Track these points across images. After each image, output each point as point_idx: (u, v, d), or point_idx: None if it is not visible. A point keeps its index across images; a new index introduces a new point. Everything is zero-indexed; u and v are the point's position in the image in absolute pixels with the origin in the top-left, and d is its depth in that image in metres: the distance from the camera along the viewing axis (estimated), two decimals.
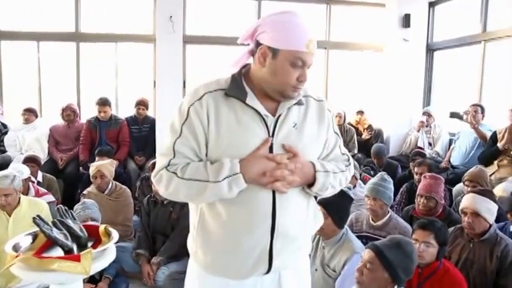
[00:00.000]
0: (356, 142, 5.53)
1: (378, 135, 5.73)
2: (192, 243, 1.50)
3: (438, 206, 3.27)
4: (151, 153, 5.29)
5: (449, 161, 4.80)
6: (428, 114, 5.43)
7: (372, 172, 4.56)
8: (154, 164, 4.02)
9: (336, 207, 2.55)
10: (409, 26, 5.74)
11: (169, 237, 3.52)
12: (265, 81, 1.35)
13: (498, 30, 4.97)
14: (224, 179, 1.29)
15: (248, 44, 1.42)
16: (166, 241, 3.52)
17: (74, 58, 5.71)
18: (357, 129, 5.78)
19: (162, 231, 3.59)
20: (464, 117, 4.61)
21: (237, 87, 1.37)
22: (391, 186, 3.12)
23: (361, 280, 1.95)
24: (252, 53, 1.39)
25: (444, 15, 5.92)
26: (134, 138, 5.36)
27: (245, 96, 1.36)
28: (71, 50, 5.70)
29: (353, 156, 4.51)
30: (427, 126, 5.39)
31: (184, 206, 3.49)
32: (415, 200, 3.38)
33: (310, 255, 2.82)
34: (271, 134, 1.36)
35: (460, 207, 2.82)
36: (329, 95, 6.06)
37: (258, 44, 1.35)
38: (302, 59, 1.31)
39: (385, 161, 4.98)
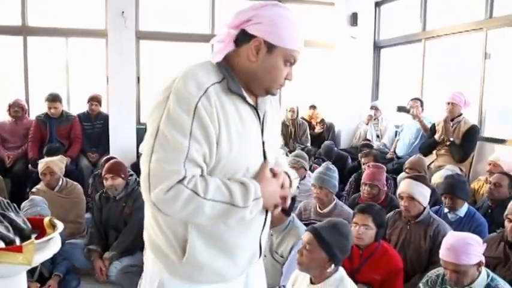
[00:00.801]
0: (309, 136, 5.72)
1: (329, 129, 5.94)
2: (172, 254, 1.30)
3: (381, 193, 3.47)
4: (105, 150, 5.24)
5: (394, 152, 5.06)
6: (375, 108, 5.68)
7: (322, 164, 4.73)
8: (107, 160, 4.03)
9: None
10: (356, 24, 5.98)
11: (122, 232, 3.52)
12: (254, 76, 1.27)
13: (436, 29, 5.28)
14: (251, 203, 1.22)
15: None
16: (119, 236, 3.52)
17: (21, 53, 5.52)
18: (309, 123, 5.97)
19: (114, 226, 3.58)
20: (411, 111, 4.88)
21: (232, 80, 1.25)
22: (336, 175, 3.29)
23: (301, 261, 2.07)
24: (236, 42, 1.28)
25: (389, 14, 6.21)
26: (87, 134, 5.29)
27: (241, 91, 1.27)
28: (18, 44, 5.51)
29: (303, 148, 4.68)
30: (375, 120, 5.63)
31: (136, 201, 3.51)
32: (360, 188, 3.56)
33: None
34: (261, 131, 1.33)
35: (397, 192, 3.03)
36: (283, 90, 6.16)
37: (246, 34, 1.25)
38: (295, 57, 1.28)
39: (336, 154, 5.17)
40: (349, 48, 6.07)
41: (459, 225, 3.11)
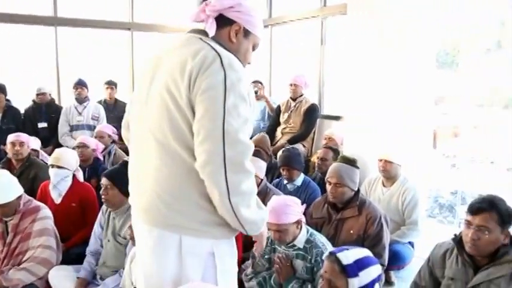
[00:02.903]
0: None
1: None
2: (213, 215, 1.44)
3: None
4: None
5: None
6: None
7: None
8: None
9: (120, 177, 2.55)
10: None
11: None
12: (234, 54, 1.45)
13: (280, 16, 5.68)
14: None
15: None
16: None
17: None
18: None
19: None
20: (259, 92, 5.20)
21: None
22: None
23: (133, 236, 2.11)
24: (217, 24, 1.47)
25: None
26: None
27: None
28: None
29: None
30: None
31: None
32: None
33: (102, 227, 2.88)
34: None
35: None
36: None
37: (225, 18, 1.47)
38: (259, 45, 1.58)
39: None
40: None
41: (297, 193, 3.43)
